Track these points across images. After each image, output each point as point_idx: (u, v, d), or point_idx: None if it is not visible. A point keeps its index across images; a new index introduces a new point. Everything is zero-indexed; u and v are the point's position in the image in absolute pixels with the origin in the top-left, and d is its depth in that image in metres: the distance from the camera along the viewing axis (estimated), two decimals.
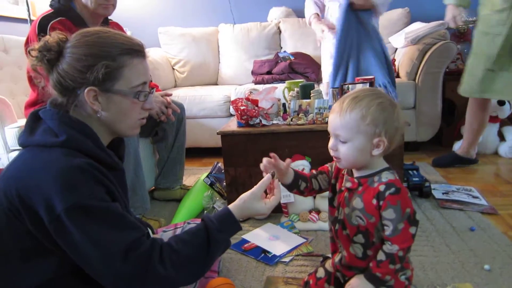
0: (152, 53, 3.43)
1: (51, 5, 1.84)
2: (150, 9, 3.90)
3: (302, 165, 1.78)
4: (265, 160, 1.18)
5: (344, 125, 1.03)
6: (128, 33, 3.68)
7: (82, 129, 0.95)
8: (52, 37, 0.96)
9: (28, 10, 3.02)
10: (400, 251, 1.02)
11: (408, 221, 1.01)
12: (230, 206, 1.07)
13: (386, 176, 1.05)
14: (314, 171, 1.25)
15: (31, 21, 2.98)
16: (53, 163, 0.87)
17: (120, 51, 0.95)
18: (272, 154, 1.18)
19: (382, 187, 1.03)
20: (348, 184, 1.11)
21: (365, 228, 1.08)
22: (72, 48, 0.94)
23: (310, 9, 2.54)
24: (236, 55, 3.62)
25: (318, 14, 2.51)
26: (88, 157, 0.92)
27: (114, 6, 1.89)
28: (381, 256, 1.04)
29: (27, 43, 1.85)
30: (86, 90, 0.93)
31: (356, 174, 1.11)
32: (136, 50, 0.98)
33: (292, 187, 1.22)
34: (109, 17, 2.01)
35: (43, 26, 1.76)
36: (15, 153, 2.18)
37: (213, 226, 0.99)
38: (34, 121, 0.98)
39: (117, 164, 1.03)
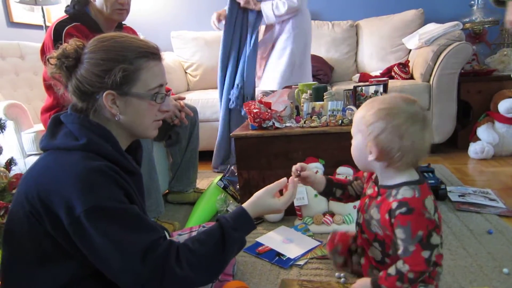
0: (166, 57, 3.46)
1: (66, 11, 1.87)
2: (163, 13, 3.94)
3: (316, 167, 1.78)
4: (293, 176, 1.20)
5: (354, 120, 1.07)
6: (141, 37, 3.72)
7: (102, 133, 0.97)
8: (70, 44, 0.97)
9: (44, 17, 3.08)
10: (411, 273, 0.97)
11: (420, 244, 0.96)
12: (244, 205, 1.08)
13: (403, 193, 1.00)
14: (351, 178, 1.26)
15: (47, 27, 3.03)
16: (73, 165, 0.88)
17: (137, 54, 0.96)
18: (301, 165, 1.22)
19: (394, 205, 1.00)
20: (370, 191, 1.09)
21: (382, 238, 1.06)
22: (90, 53, 0.95)
23: None
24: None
25: None
26: (107, 161, 0.93)
27: (128, 11, 1.92)
28: (391, 270, 1.01)
29: (43, 49, 1.88)
30: (104, 94, 0.95)
31: (380, 182, 1.08)
32: (152, 53, 0.99)
33: (327, 194, 1.23)
34: (123, 22, 2.04)
35: (58, 32, 1.79)
36: (32, 158, 2.22)
37: (228, 225, 1.00)
38: (55, 125, 1.00)
39: (135, 168, 1.04)
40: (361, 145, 1.04)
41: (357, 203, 1.78)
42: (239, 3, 2.42)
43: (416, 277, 0.98)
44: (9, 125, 2.13)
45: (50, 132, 0.98)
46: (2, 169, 1.65)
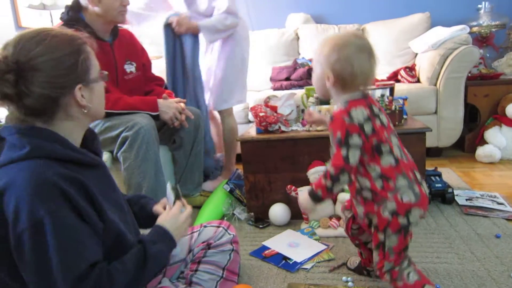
0: None
1: (61, 18, 1.89)
2: None
3: (322, 171, 1.77)
4: None
5: (314, 54, 1.24)
6: (147, 40, 3.75)
7: (45, 135, 0.92)
8: None
9: (51, 21, 3.12)
10: (331, 168, 1.14)
11: (338, 143, 1.13)
12: (158, 221, 1.13)
13: (335, 108, 1.20)
14: None
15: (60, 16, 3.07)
16: (19, 178, 0.85)
17: (81, 42, 0.97)
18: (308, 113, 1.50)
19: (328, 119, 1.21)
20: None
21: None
22: (41, 57, 0.89)
23: None
24: (255, 61, 3.63)
25: None
26: (59, 162, 0.90)
27: (127, 11, 1.95)
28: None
29: None
30: (76, 89, 0.93)
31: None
32: (84, 38, 0.99)
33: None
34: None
35: None
36: None
37: (147, 239, 1.03)
38: None
39: (93, 160, 1.01)
40: (320, 74, 1.20)
41: None
42: (173, 30, 2.30)
43: (336, 172, 1.13)
44: None
45: None
46: None
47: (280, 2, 3.74)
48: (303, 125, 1.98)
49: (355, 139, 1.12)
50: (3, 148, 0.92)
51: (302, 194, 1.22)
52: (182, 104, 2.02)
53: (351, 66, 1.13)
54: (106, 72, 1.05)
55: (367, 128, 1.13)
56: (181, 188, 2.23)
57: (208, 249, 1.30)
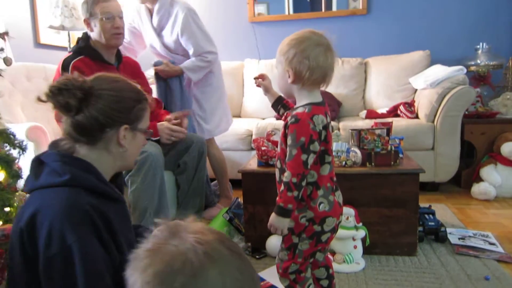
0: None
1: (71, 50, 2.06)
2: None
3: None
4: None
5: (276, 55, 1.27)
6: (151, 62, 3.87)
7: (84, 166, 1.01)
8: (76, 78, 1.02)
9: (69, 39, 3.24)
10: (294, 178, 1.15)
11: (301, 148, 1.15)
12: None
13: (297, 110, 1.22)
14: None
15: (71, 47, 3.20)
16: (55, 202, 0.92)
17: (143, 97, 1.10)
18: (261, 74, 1.52)
19: (289, 118, 1.21)
20: (283, 117, 1.33)
21: (279, 154, 1.28)
22: (106, 90, 1.03)
23: None
24: (260, 89, 3.72)
25: None
26: (92, 193, 0.97)
27: (123, 35, 2.08)
28: (282, 186, 1.19)
29: None
30: (122, 128, 1.04)
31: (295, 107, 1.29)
32: (146, 97, 1.13)
33: (274, 108, 1.48)
34: (121, 52, 2.18)
35: (65, 66, 1.96)
36: None
37: None
38: (37, 166, 1.02)
39: (119, 195, 1.08)
40: (282, 73, 1.24)
41: (358, 243, 1.86)
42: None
43: (299, 180, 1.16)
44: (29, 146, 2.24)
45: (34, 173, 1.01)
46: (22, 192, 1.73)
47: (286, 34, 3.85)
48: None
49: (316, 146, 1.17)
50: (41, 172, 1.00)
51: (272, 218, 1.22)
52: (171, 126, 2.11)
53: (308, 60, 1.17)
54: (151, 131, 1.18)
55: (323, 136, 1.20)
56: (183, 213, 2.31)
57: None
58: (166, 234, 0.62)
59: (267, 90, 1.49)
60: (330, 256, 1.83)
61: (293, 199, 1.17)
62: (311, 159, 1.17)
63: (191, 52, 2.44)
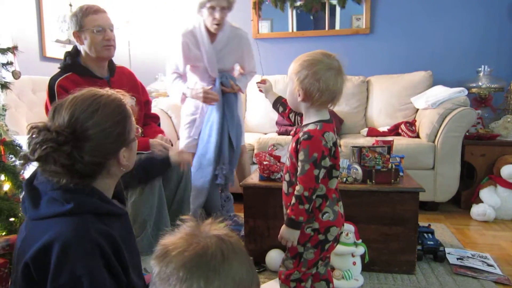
0: None
1: (59, 67, 2.00)
2: None
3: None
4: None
5: (288, 72, 1.33)
6: (163, 77, 3.92)
7: (87, 191, 0.96)
8: (49, 130, 0.92)
9: None
10: (306, 192, 1.21)
11: (313, 163, 1.21)
12: None
13: (309, 127, 1.27)
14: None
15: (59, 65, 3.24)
16: (65, 234, 0.88)
17: (124, 107, 1.03)
18: (263, 79, 1.62)
19: (301, 134, 1.27)
20: (292, 132, 1.39)
21: (288, 168, 1.33)
22: (93, 127, 0.94)
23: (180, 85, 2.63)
24: (262, 105, 3.77)
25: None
26: (98, 215, 0.94)
27: (114, 47, 2.01)
28: (293, 200, 1.25)
29: (46, 107, 2.00)
30: (121, 152, 1.00)
31: (303, 124, 1.35)
32: (125, 105, 1.06)
33: (274, 107, 1.55)
34: (114, 62, 2.15)
35: (51, 86, 1.91)
36: None
37: None
38: (31, 191, 0.97)
39: (121, 210, 1.06)
40: (292, 90, 1.30)
41: (357, 259, 1.87)
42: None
43: (310, 194, 1.22)
44: None
45: (31, 201, 0.95)
46: None
47: (289, 51, 3.92)
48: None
49: (326, 161, 1.24)
50: (39, 199, 0.95)
51: (283, 230, 1.28)
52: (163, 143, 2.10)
53: (318, 83, 1.23)
54: (141, 129, 1.15)
55: (332, 152, 1.27)
56: (170, 224, 2.26)
57: None
58: (195, 228, 0.72)
59: (268, 92, 1.59)
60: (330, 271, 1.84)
61: (304, 212, 1.23)
62: (322, 174, 1.24)
63: (244, 70, 2.72)
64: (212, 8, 2.37)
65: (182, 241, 0.70)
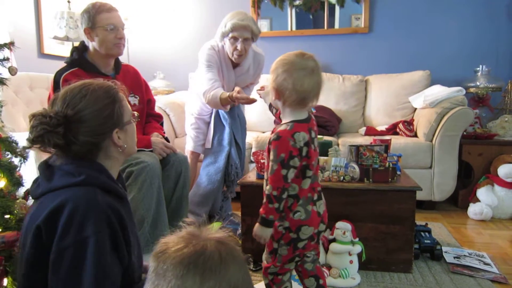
0: (182, 96, 3.62)
1: (65, 61, 2.02)
2: (183, 55, 4.13)
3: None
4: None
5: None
6: (161, 75, 3.92)
7: (96, 167, 1.06)
8: (44, 115, 1.02)
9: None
10: (274, 191, 1.24)
11: (281, 163, 1.23)
12: None
13: (280, 127, 1.30)
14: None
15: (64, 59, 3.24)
16: (75, 199, 0.96)
17: (115, 92, 1.11)
18: (262, 86, 1.77)
19: (272, 135, 1.29)
20: (271, 132, 1.42)
21: (266, 167, 1.34)
22: (84, 109, 1.04)
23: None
24: (260, 104, 3.72)
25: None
26: (106, 192, 1.03)
27: (124, 45, 2.05)
28: (264, 199, 1.28)
29: (49, 100, 2.01)
30: (113, 134, 1.08)
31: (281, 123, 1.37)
32: (117, 87, 1.14)
33: (269, 108, 1.62)
34: (120, 59, 2.17)
35: (56, 80, 1.93)
36: None
37: None
38: (46, 170, 1.06)
39: (124, 193, 1.14)
40: (269, 89, 1.36)
41: (354, 258, 1.87)
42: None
43: (279, 193, 1.24)
44: (30, 154, 2.26)
45: (45, 177, 1.05)
46: (22, 200, 1.75)
47: (288, 49, 3.90)
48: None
49: (295, 161, 1.25)
50: (52, 175, 1.04)
51: (256, 228, 1.32)
52: (167, 144, 2.15)
53: (287, 82, 1.25)
54: (136, 113, 1.20)
55: (304, 152, 1.27)
56: (169, 224, 2.25)
57: None
58: (197, 230, 0.74)
59: (265, 96, 1.65)
60: (325, 270, 1.84)
61: (274, 211, 1.26)
62: (292, 173, 1.25)
63: (255, 86, 2.78)
64: (235, 39, 2.37)
65: (182, 240, 0.71)
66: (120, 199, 1.10)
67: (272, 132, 1.35)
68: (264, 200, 1.28)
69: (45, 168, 1.07)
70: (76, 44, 3.36)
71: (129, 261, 1.06)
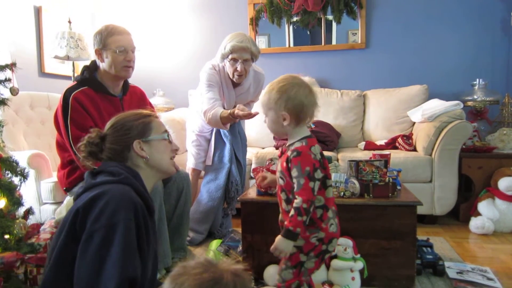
0: (181, 113, 3.63)
1: (75, 79, 2.07)
2: (183, 73, 4.16)
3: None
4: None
5: (262, 104, 1.42)
6: (161, 93, 3.94)
7: (133, 173, 1.26)
8: (91, 137, 1.32)
9: (73, 69, 3.32)
10: (304, 204, 1.27)
11: (308, 177, 1.27)
12: None
13: (296, 145, 1.35)
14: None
15: (75, 77, 3.26)
16: (111, 191, 1.12)
17: (142, 114, 1.37)
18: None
19: (289, 153, 1.33)
20: (278, 153, 1.49)
21: (284, 187, 1.37)
22: (112, 128, 1.33)
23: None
24: (260, 119, 3.76)
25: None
26: (137, 194, 1.18)
27: (133, 68, 2.12)
28: (292, 211, 1.29)
29: (55, 115, 2.05)
30: (135, 143, 1.28)
31: (287, 144, 1.41)
32: (151, 115, 1.38)
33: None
34: (129, 81, 2.22)
35: (66, 98, 1.97)
36: (47, 207, 2.33)
37: None
38: (93, 173, 1.27)
39: (153, 207, 1.27)
40: (275, 118, 1.37)
41: (356, 275, 1.85)
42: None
43: (309, 206, 1.27)
44: (31, 174, 2.26)
45: (91, 175, 1.26)
46: (22, 220, 1.74)
47: (286, 66, 3.96)
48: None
49: (319, 173, 1.30)
50: (98, 176, 1.25)
51: (278, 241, 1.31)
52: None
53: (301, 101, 1.33)
54: (169, 133, 1.38)
55: (321, 163, 1.32)
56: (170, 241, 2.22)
57: None
58: (211, 260, 0.80)
59: (275, 183, 1.63)
60: (327, 287, 1.83)
61: (302, 224, 1.28)
62: (317, 185, 1.30)
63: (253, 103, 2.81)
64: (234, 60, 2.40)
65: (201, 265, 0.77)
66: (148, 211, 1.21)
67: (278, 149, 1.39)
68: (292, 213, 1.29)
69: (90, 173, 1.27)
70: (77, 63, 3.43)
71: (143, 268, 1.13)
